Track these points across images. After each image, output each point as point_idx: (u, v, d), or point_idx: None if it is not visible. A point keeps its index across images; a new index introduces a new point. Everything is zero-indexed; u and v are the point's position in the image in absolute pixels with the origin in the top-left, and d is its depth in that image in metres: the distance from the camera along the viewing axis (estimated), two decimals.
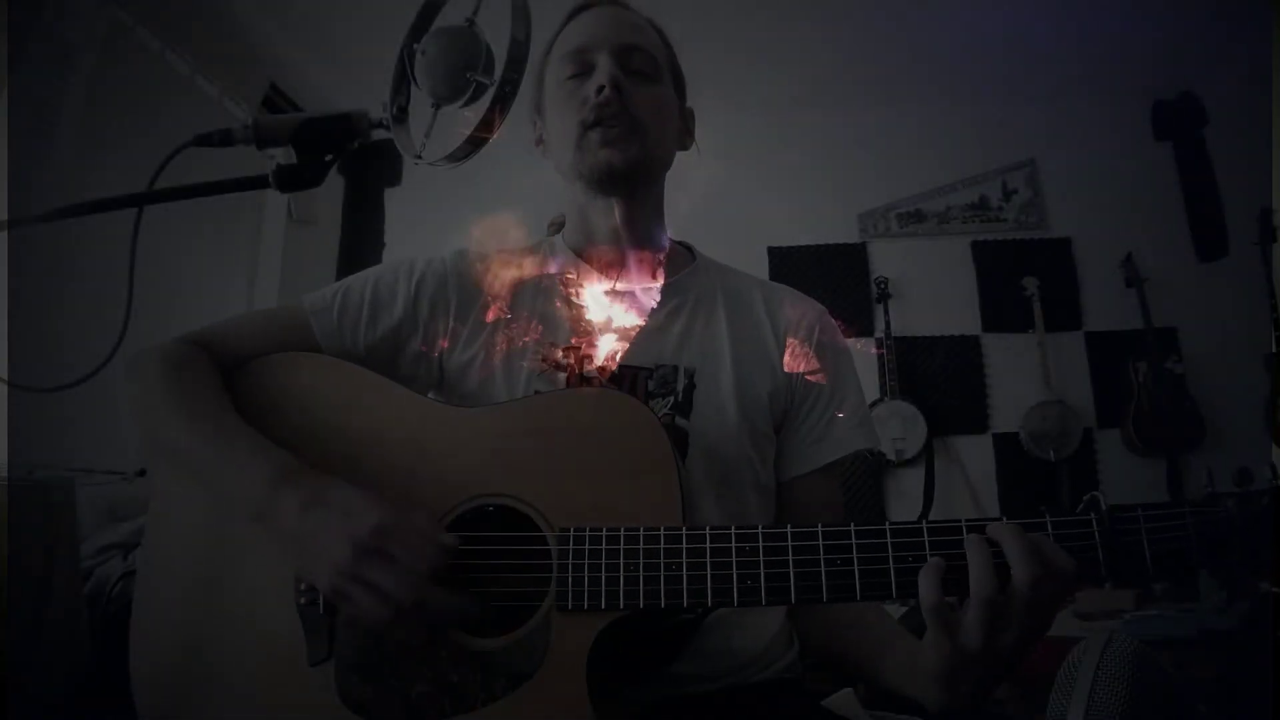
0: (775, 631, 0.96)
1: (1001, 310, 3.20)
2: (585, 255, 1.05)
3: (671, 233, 1.10)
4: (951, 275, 3.28)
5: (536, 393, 0.94)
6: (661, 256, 1.04)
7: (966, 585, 0.67)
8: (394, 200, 3.47)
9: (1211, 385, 3.01)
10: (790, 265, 3.32)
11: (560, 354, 0.97)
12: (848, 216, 3.35)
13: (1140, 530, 0.68)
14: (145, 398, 0.90)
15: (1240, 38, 2.80)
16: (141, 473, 1.89)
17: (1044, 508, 0.70)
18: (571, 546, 0.76)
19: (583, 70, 0.99)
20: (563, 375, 0.96)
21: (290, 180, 0.75)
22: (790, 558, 0.71)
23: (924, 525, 0.70)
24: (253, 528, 0.80)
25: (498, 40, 0.72)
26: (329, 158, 0.76)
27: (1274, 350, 2.70)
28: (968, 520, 0.69)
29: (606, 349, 0.97)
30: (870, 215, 3.36)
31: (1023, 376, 3.10)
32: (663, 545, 0.74)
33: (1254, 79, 2.70)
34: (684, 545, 0.74)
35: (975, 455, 3.13)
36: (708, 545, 0.73)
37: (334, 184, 3.43)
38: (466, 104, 0.72)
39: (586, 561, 0.75)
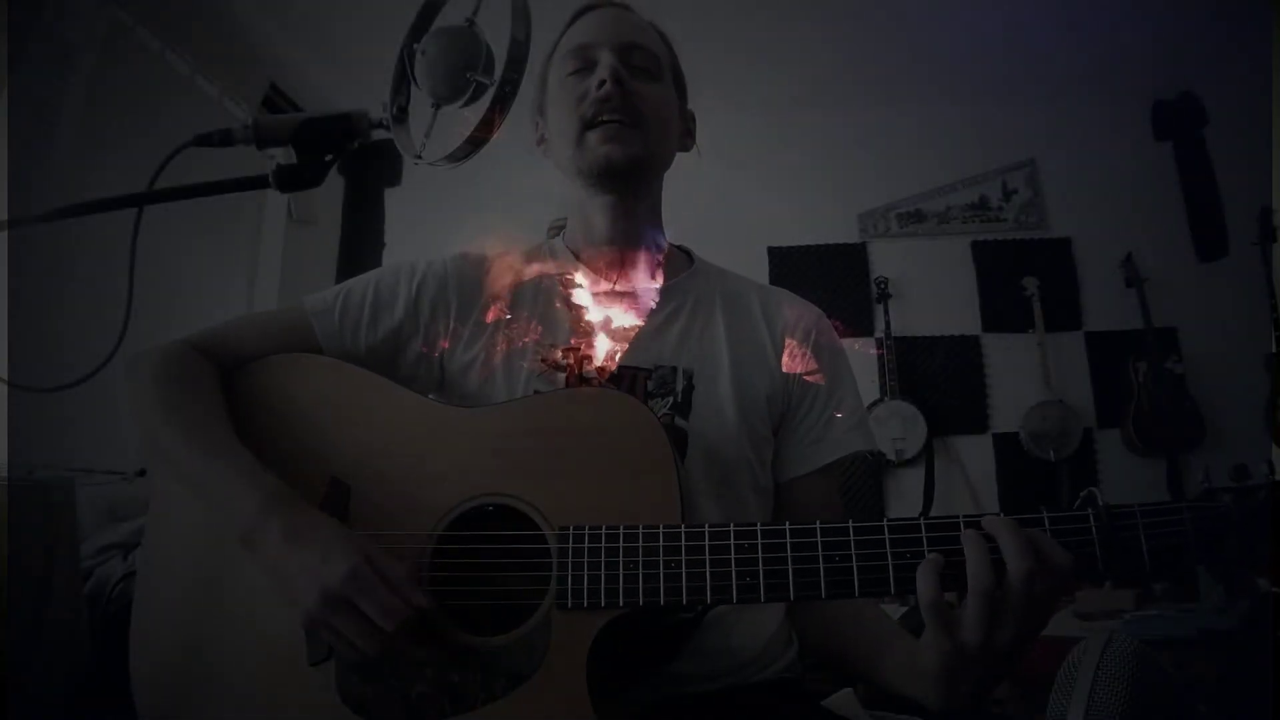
0: (774, 631, 0.96)
1: (1001, 310, 3.20)
2: (585, 256, 1.06)
3: (671, 233, 1.10)
4: (951, 275, 3.28)
5: (536, 393, 0.94)
6: (660, 258, 1.05)
7: (965, 581, 0.67)
8: (394, 200, 3.47)
9: (1211, 385, 3.01)
10: (790, 265, 3.32)
11: (560, 354, 0.97)
12: (848, 216, 3.36)
13: (1138, 526, 0.67)
14: (143, 400, 0.90)
15: (1240, 38, 2.80)
16: (141, 473, 1.89)
17: (1042, 506, 0.70)
18: (571, 545, 0.76)
19: (584, 66, 0.99)
20: (562, 376, 0.96)
21: (290, 180, 0.75)
22: (789, 554, 0.71)
23: (922, 522, 0.70)
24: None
25: (498, 40, 0.72)
26: (329, 158, 0.76)
27: (1274, 350, 2.70)
28: (965, 516, 0.70)
29: (605, 350, 0.97)
30: (870, 215, 3.36)
31: (1023, 376, 3.10)
32: (662, 543, 0.74)
33: (1254, 79, 2.71)
34: (683, 543, 0.74)
35: (975, 455, 3.13)
36: (706, 543, 0.73)
37: (334, 184, 3.44)
38: (466, 104, 0.73)
39: (586, 560, 0.75)
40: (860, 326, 3.22)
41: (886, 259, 3.31)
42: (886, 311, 3.17)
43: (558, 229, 1.14)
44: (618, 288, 1.02)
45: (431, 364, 1.00)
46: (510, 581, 0.78)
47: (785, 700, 0.92)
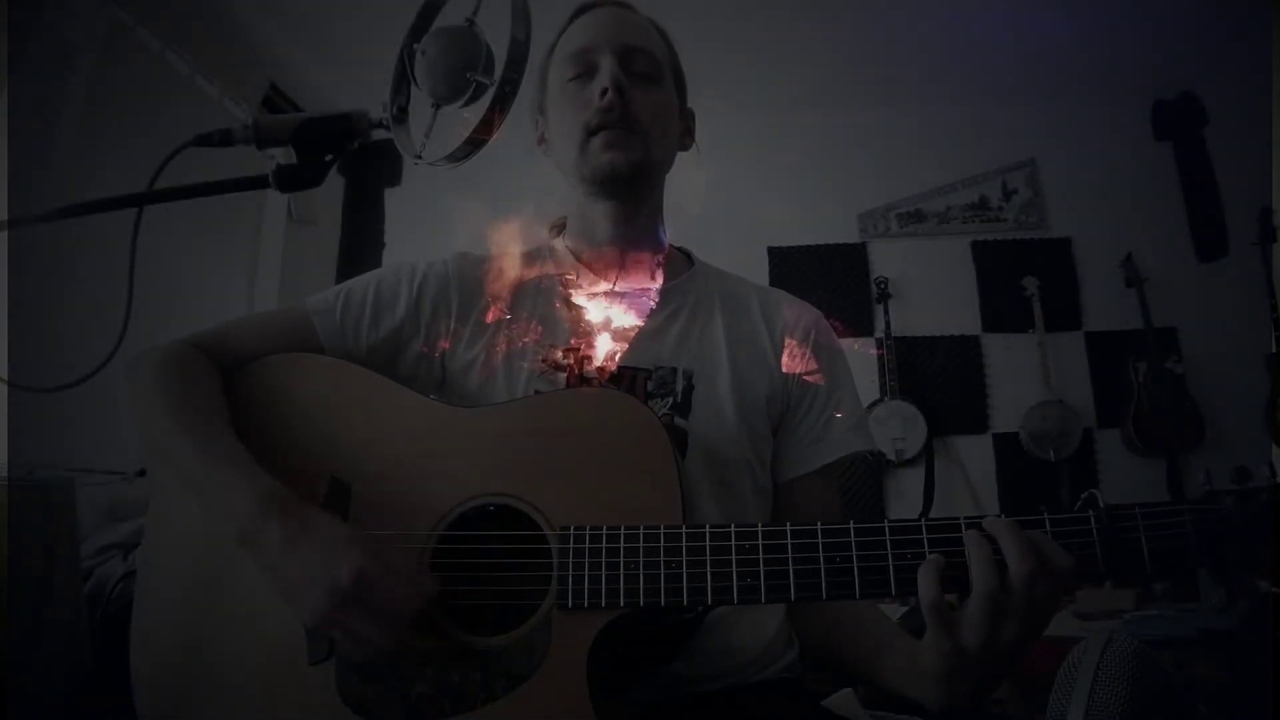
0: (775, 631, 0.96)
1: (1001, 310, 3.20)
2: (585, 257, 1.06)
3: (672, 233, 1.10)
4: (951, 275, 3.28)
5: (537, 393, 0.94)
6: (660, 258, 1.05)
7: (965, 582, 0.67)
8: (394, 200, 3.47)
9: (1211, 385, 3.01)
10: (790, 265, 3.32)
11: (560, 355, 0.97)
12: (848, 216, 3.35)
13: (1138, 527, 0.68)
14: (144, 400, 0.90)
15: (1240, 38, 2.80)
16: (141, 473, 1.89)
17: (1043, 507, 0.70)
18: (572, 545, 0.76)
19: (585, 71, 0.99)
20: (562, 376, 0.96)
21: (290, 180, 0.75)
22: (790, 555, 0.71)
23: (923, 523, 0.70)
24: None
25: (498, 40, 0.72)
26: (329, 158, 0.76)
27: (1274, 350, 2.70)
28: (966, 518, 0.70)
29: (605, 350, 0.97)
30: (870, 215, 3.36)
31: (1023, 376, 3.10)
32: (662, 543, 0.74)
33: (1254, 79, 2.70)
34: (684, 543, 0.74)
35: (975, 455, 3.13)
36: (707, 543, 0.73)
37: (334, 184, 3.44)
38: (466, 104, 0.73)
39: (587, 560, 0.75)
40: (860, 326, 3.22)
41: (886, 259, 3.31)
42: (886, 311, 3.17)
43: (558, 228, 1.14)
44: (618, 288, 1.02)
45: (432, 364, 1.00)
46: (510, 581, 0.78)
47: (785, 700, 0.92)
